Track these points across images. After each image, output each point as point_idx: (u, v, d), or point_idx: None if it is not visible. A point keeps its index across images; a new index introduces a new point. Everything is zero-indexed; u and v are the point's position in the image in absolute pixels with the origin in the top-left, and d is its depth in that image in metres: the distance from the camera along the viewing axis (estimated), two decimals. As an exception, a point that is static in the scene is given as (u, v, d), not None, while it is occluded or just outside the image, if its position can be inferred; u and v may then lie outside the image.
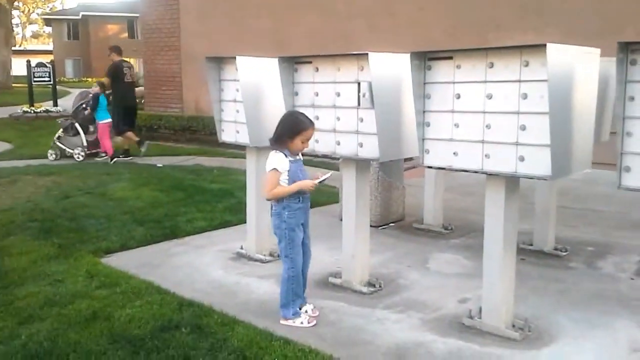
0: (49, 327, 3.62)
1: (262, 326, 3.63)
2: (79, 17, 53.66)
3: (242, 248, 5.19)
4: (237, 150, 11.31)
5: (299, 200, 3.71)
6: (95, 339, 3.47)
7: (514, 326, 3.58)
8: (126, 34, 54.85)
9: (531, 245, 5.24)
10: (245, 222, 5.54)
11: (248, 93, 4.67)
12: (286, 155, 3.64)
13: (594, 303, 4.03)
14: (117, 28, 54.64)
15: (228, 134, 5.11)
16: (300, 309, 3.80)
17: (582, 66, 3.26)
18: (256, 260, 5.00)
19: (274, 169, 3.62)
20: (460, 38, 9.82)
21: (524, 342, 3.45)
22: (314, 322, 3.72)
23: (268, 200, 3.76)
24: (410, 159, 7.09)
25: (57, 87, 20.65)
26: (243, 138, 4.89)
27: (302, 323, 3.70)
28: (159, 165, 9.93)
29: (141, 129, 14.82)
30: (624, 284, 4.39)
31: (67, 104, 23.58)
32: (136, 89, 22.94)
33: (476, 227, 6.00)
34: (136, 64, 51.44)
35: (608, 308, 3.93)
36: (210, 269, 4.82)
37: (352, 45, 9.06)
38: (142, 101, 17.91)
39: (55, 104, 19.45)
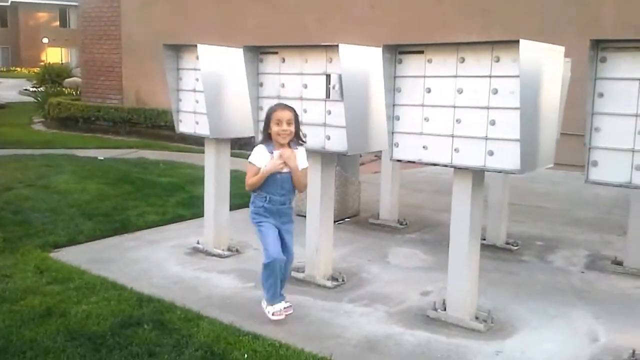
0: (1, 325, 3.40)
1: (228, 321, 3.54)
2: (8, 3, 51.07)
3: (198, 243, 5.06)
4: (182, 144, 11.13)
5: (265, 200, 3.59)
6: (52, 336, 3.29)
7: (477, 318, 3.65)
8: (58, 23, 52.72)
9: (484, 239, 5.35)
10: (199, 217, 5.42)
11: (209, 83, 4.55)
12: (270, 151, 3.57)
13: (549, 295, 4.17)
14: (48, 16, 52.44)
15: (186, 125, 4.96)
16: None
17: (548, 63, 3.36)
18: (214, 255, 4.89)
19: (249, 162, 3.60)
20: (408, 36, 9.97)
21: (488, 333, 3.52)
22: (282, 316, 3.61)
23: (249, 191, 3.67)
24: (360, 155, 7.16)
25: (-15, 75, 19.59)
26: (203, 129, 4.76)
27: (268, 312, 3.62)
28: (100, 158, 9.57)
29: (78, 120, 14.29)
30: (576, 277, 4.57)
31: (-3, 93, 22.45)
32: (71, 79, 22.12)
33: (429, 222, 6.12)
34: (68, 54, 49.69)
35: (564, 300, 4.07)
36: (167, 264, 4.67)
37: (301, 39, 9.03)
38: (79, 92, 17.28)
39: (-16, 93, 18.41)
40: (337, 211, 6.06)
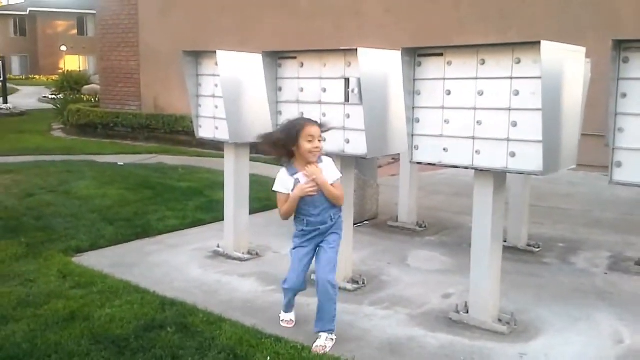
0: (26, 329, 3.45)
1: (250, 324, 3.56)
2: (27, 12, 51.93)
3: (219, 246, 5.10)
4: (200, 149, 11.22)
5: (304, 223, 3.37)
6: (76, 339, 3.33)
7: (500, 320, 3.63)
8: (75, 31, 53.42)
9: (505, 241, 5.31)
10: (219, 221, 5.46)
11: (228, 88, 4.59)
12: (290, 173, 3.35)
13: (573, 297, 4.13)
14: (66, 25, 53.17)
15: (206, 130, 5.00)
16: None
17: (570, 64, 3.34)
18: (234, 258, 4.91)
19: (275, 190, 3.40)
20: (425, 40, 9.97)
21: (511, 336, 3.50)
22: (289, 325, 3.63)
23: (284, 219, 3.46)
24: (378, 158, 7.15)
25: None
26: (222, 134, 4.79)
27: (280, 317, 3.67)
28: (120, 163, 9.67)
29: (97, 126, 14.46)
30: (599, 278, 4.52)
31: (16, 101, 22.81)
32: (89, 86, 22.41)
33: (448, 224, 6.10)
34: (86, 61, 50.32)
35: (587, 302, 4.03)
36: (188, 268, 4.71)
37: (318, 44, 9.07)
38: (97, 99, 17.49)
39: (5, 101, 18.71)
40: (355, 214, 6.05)
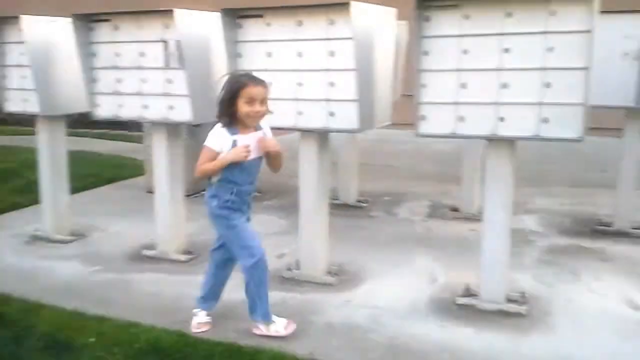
0: None
1: (72, 307, 3.35)
2: None
3: (37, 230, 4.70)
4: (19, 126, 10.18)
5: (232, 192, 2.96)
6: None
7: (329, 273, 3.79)
8: None
9: (337, 199, 5.56)
10: (38, 203, 5.02)
11: (37, 57, 4.20)
12: (230, 132, 2.92)
13: (395, 244, 4.44)
14: None
15: (14, 104, 4.54)
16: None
17: (380, 24, 3.50)
18: (56, 241, 4.56)
19: (205, 144, 2.96)
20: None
21: (339, 286, 3.68)
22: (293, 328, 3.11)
23: (198, 178, 3.06)
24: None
25: None
26: (33, 107, 4.38)
27: (276, 331, 3.09)
28: None
29: None
30: (419, 225, 4.92)
31: None
32: None
33: (283, 189, 6.20)
34: None
35: (408, 247, 4.37)
36: (3, 255, 4.29)
37: (138, 6, 8.62)
38: None
39: None
40: (189, 184, 5.95)
